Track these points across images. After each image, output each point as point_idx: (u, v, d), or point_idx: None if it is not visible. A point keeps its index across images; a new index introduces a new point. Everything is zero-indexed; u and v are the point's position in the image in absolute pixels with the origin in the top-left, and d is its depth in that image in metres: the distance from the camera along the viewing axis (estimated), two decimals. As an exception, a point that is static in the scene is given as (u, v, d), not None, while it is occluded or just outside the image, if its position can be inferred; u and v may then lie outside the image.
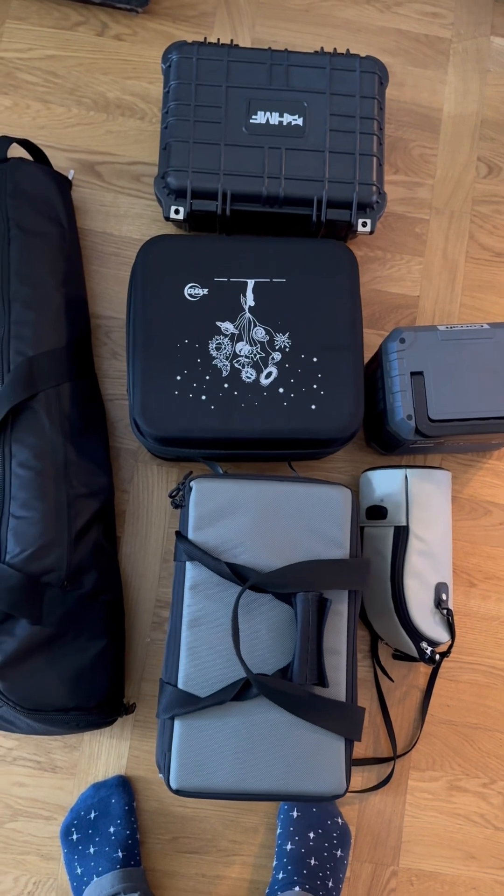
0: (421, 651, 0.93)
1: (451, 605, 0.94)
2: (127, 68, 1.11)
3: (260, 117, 0.97)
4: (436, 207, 1.12)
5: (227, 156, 0.96)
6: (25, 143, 1.01)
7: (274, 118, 0.97)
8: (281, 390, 0.89)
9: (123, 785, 0.95)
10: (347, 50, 1.01)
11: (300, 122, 0.97)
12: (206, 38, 1.02)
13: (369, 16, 1.15)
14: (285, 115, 0.97)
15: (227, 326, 0.90)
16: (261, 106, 0.97)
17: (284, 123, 0.97)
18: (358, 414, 0.90)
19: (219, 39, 1.02)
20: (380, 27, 1.15)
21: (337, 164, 0.97)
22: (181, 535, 0.82)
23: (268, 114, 0.97)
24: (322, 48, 1.01)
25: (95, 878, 0.89)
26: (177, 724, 0.78)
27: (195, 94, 0.97)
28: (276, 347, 0.90)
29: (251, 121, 0.97)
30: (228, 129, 0.96)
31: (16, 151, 1.05)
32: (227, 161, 0.96)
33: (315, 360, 0.90)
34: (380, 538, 0.94)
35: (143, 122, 1.11)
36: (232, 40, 1.01)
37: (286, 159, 0.96)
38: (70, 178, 1.05)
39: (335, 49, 1.01)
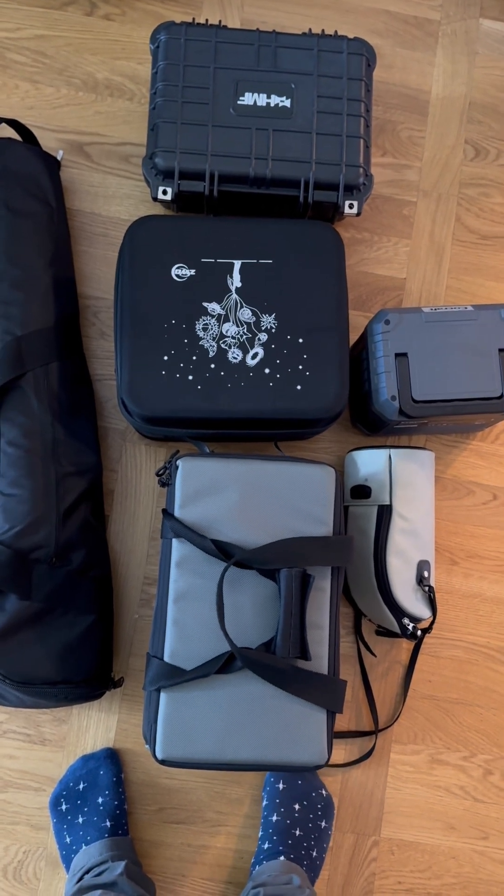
0: (403, 627, 0.95)
1: (432, 583, 0.96)
2: (116, 49, 1.11)
3: (247, 98, 0.97)
4: (423, 190, 1.12)
5: (214, 137, 0.96)
6: (14, 124, 1.01)
7: (261, 99, 0.97)
8: (267, 371, 0.90)
9: (111, 757, 0.97)
10: (335, 31, 1.01)
11: (287, 103, 0.98)
12: (194, 19, 1.02)
13: (358, -3, 1.15)
14: (273, 96, 0.98)
15: (213, 307, 0.91)
16: (248, 87, 0.97)
17: (272, 105, 0.97)
18: (343, 394, 0.91)
19: (207, 20, 1.02)
20: (369, 8, 1.15)
21: (324, 146, 0.97)
22: (168, 513, 0.83)
23: (255, 95, 0.97)
24: (310, 29, 1.02)
25: (84, 847, 0.92)
26: (163, 695, 0.79)
27: (183, 75, 0.97)
28: (263, 328, 0.91)
29: (239, 102, 0.97)
30: (216, 110, 0.97)
31: (4, 132, 1.05)
32: (215, 142, 0.96)
33: (301, 340, 0.91)
34: (364, 517, 0.96)
35: (131, 102, 1.11)
36: (220, 21, 1.01)
37: (273, 140, 0.97)
38: (59, 158, 1.05)
39: (323, 30, 1.01)
